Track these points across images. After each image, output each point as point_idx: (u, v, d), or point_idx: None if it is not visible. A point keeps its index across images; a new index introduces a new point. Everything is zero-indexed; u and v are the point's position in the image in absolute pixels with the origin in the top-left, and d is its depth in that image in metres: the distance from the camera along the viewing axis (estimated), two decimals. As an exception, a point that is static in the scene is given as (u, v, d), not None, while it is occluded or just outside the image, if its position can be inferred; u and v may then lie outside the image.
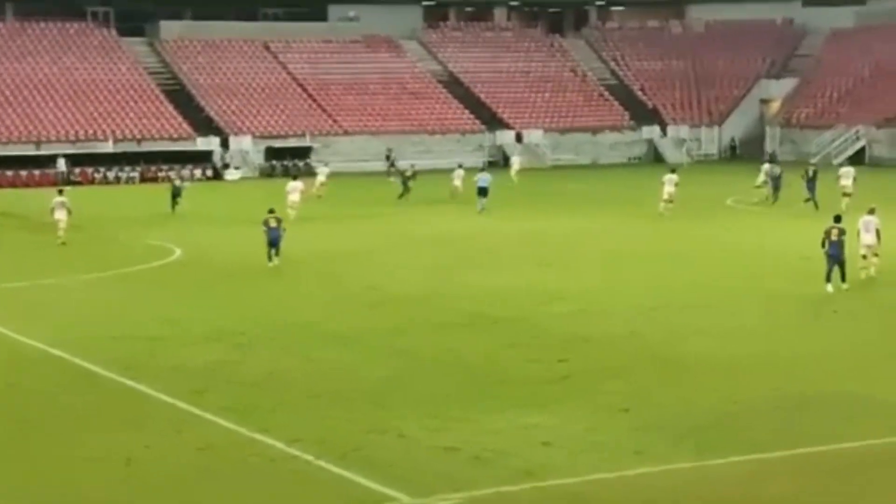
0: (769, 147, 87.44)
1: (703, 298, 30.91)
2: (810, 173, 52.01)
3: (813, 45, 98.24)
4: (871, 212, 33.54)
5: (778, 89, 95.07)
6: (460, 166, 60.92)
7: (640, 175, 71.71)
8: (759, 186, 55.42)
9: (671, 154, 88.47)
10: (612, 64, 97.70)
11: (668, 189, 50.52)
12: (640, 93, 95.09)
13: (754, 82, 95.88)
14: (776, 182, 54.37)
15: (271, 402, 20.79)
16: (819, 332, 26.68)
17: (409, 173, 59.87)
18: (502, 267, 36.79)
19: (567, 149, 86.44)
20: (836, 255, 31.16)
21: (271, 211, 37.48)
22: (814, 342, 25.41)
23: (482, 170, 56.61)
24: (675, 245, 41.65)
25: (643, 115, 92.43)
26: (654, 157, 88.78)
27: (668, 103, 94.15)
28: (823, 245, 31.48)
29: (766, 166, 56.82)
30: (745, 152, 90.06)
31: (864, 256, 32.98)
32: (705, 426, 18.99)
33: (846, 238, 31.37)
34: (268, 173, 77.76)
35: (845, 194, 49.17)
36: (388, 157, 78.12)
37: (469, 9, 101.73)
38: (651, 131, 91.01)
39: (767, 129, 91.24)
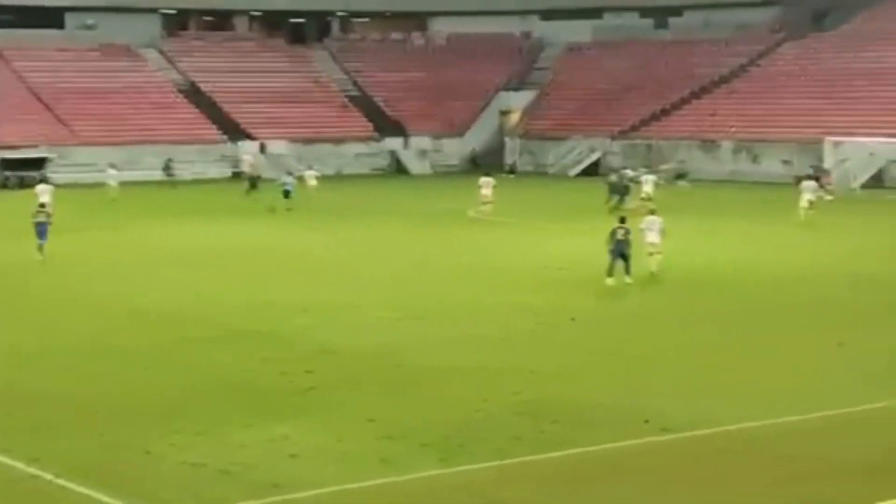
0: (509, 158, 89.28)
1: (448, 309, 31.36)
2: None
3: (551, 58, 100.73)
4: (653, 212, 37.27)
5: (517, 101, 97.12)
6: (290, 174, 63.42)
7: (384, 186, 72.29)
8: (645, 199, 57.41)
9: (414, 165, 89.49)
10: (356, 75, 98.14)
11: (486, 192, 54.69)
12: (382, 104, 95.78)
13: (494, 94, 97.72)
14: (623, 189, 57.17)
15: (10, 422, 20.22)
16: (558, 340, 27.33)
17: (255, 174, 66.52)
18: (262, 280, 36.55)
19: (311, 159, 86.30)
20: (621, 252, 34.26)
21: (42, 206, 41.36)
22: (553, 350, 26.06)
23: (289, 174, 62.18)
24: (420, 256, 42.14)
25: (386, 126, 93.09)
26: (397, 169, 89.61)
27: (410, 114, 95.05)
28: (609, 243, 34.42)
29: (614, 177, 60.04)
30: (485, 163, 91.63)
31: (651, 254, 35.89)
32: (449, 434, 19.32)
33: (631, 237, 34.53)
34: (1, 184, 75.14)
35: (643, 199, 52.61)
36: (166, 168, 77.48)
37: (209, 18, 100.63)
38: (394, 142, 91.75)
39: (507, 140, 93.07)
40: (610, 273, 34.21)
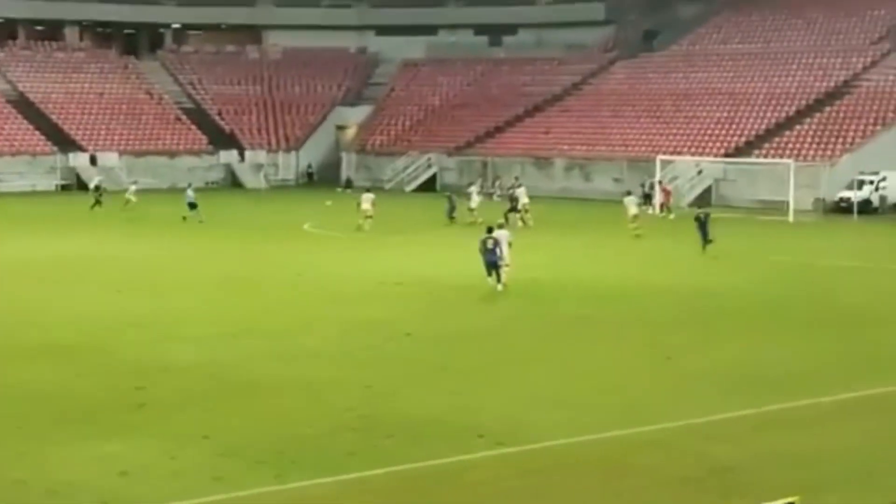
0: (345, 173, 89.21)
1: (282, 324, 31.14)
2: (702, 217, 49.12)
3: (387, 74, 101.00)
4: (501, 226, 38.87)
5: (353, 116, 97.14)
6: (190, 185, 64.31)
7: (219, 200, 71.55)
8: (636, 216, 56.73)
9: (249, 179, 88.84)
10: (189, 87, 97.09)
11: (366, 206, 54.90)
12: (217, 117, 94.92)
13: (330, 109, 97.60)
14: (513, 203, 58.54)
15: None
16: (393, 355, 27.30)
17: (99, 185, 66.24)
18: (90, 294, 35.83)
19: (144, 172, 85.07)
20: (491, 261, 36.34)
21: None
22: (388, 365, 26.03)
23: (189, 186, 62.85)
24: (255, 269, 41.78)
25: (221, 139, 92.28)
26: (233, 182, 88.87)
27: (245, 128, 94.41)
28: (481, 251, 36.59)
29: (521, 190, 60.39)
30: (321, 178, 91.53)
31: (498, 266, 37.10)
32: (283, 449, 19.15)
33: (499, 248, 36.41)
34: None
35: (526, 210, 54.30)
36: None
37: (39, 28, 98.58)
38: (229, 156, 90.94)
39: (343, 155, 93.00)
40: (489, 273, 36.42)
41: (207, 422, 20.84)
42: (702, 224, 48.13)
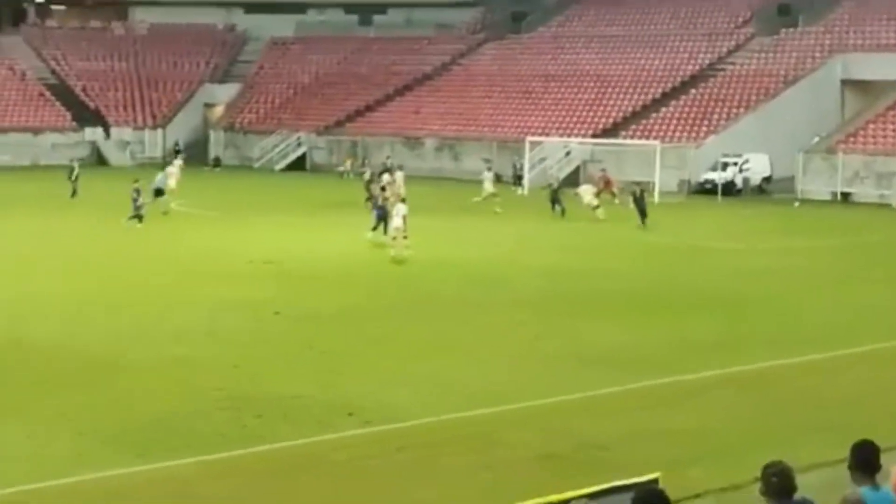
0: (213, 151, 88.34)
1: (148, 303, 30.68)
2: (637, 193, 51.34)
3: (255, 51, 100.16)
4: (403, 200, 41.43)
5: (222, 94, 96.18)
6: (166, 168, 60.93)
7: (84, 177, 70.26)
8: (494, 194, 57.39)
9: (115, 156, 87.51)
10: (53, 63, 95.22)
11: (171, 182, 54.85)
12: (82, 94, 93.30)
13: (198, 86, 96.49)
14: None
15: None
16: (262, 334, 27.07)
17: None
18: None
19: (4, 149, 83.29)
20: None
21: None
22: (257, 344, 25.81)
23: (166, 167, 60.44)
24: (120, 247, 41.18)
25: (86, 116, 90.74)
26: (98, 160, 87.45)
27: (111, 105, 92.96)
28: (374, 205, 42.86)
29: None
30: (189, 156, 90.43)
31: (395, 238, 39.23)
32: (147, 429, 18.90)
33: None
34: None
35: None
36: None
37: None
38: (94, 133, 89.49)
39: (212, 133, 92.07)
40: (374, 229, 41.15)
41: (68, 402, 20.47)
42: (637, 200, 49.95)
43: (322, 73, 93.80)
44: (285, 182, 72.73)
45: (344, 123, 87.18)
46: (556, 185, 55.10)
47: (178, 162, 63.66)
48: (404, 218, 39.58)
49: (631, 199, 51.10)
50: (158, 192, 53.09)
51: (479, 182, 60.47)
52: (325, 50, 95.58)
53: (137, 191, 48.17)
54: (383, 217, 41.99)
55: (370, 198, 50.00)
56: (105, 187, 61.62)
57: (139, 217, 47.28)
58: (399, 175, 58.74)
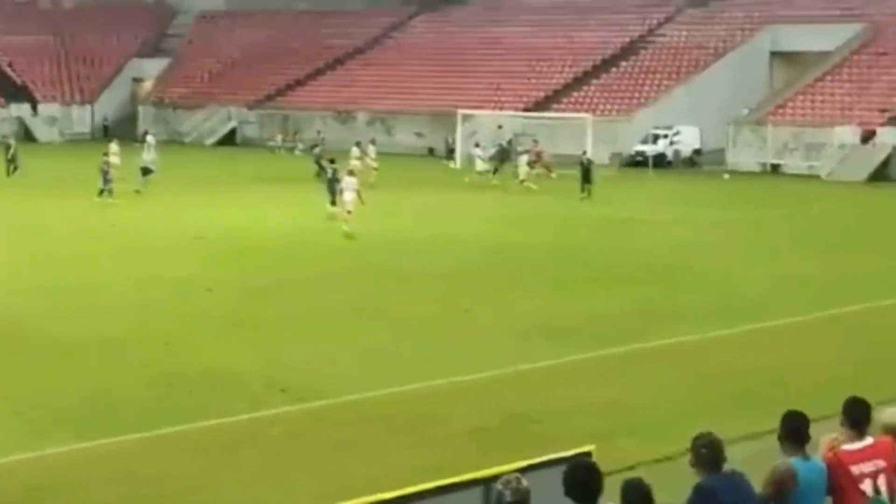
0: (142, 126, 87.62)
1: (78, 280, 30.46)
2: (585, 162, 52.87)
3: (184, 25, 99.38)
4: (351, 174, 41.45)
5: (150, 69, 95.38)
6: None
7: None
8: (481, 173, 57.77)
9: (43, 132, 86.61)
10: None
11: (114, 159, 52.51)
12: (8, 68, 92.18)
13: (126, 61, 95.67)
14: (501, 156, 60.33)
15: None
16: (194, 311, 26.98)
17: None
18: None
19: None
20: (332, 189, 42.07)
21: None
22: (189, 321, 25.72)
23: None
24: (47, 226, 40.82)
25: (13, 91, 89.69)
26: (26, 136, 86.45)
27: (38, 80, 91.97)
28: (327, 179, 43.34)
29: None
30: (117, 131, 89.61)
31: (350, 212, 39.14)
32: (83, 407, 18.83)
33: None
34: None
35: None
36: None
37: None
38: (21, 109, 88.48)
39: (140, 108, 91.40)
40: (333, 204, 41.40)
41: (5, 379, 20.34)
42: (585, 169, 51.42)
43: (252, 47, 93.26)
44: (216, 157, 72.34)
45: (275, 97, 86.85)
46: (587, 160, 54.01)
47: (151, 139, 62.53)
48: (358, 192, 39.72)
49: (580, 167, 52.27)
50: (146, 171, 52.29)
51: (411, 156, 60.48)
52: (256, 23, 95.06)
53: (107, 163, 48.14)
54: (335, 190, 42.00)
55: (320, 171, 50.07)
56: (35, 164, 60.96)
57: (110, 191, 46.88)
58: (371, 149, 58.81)
